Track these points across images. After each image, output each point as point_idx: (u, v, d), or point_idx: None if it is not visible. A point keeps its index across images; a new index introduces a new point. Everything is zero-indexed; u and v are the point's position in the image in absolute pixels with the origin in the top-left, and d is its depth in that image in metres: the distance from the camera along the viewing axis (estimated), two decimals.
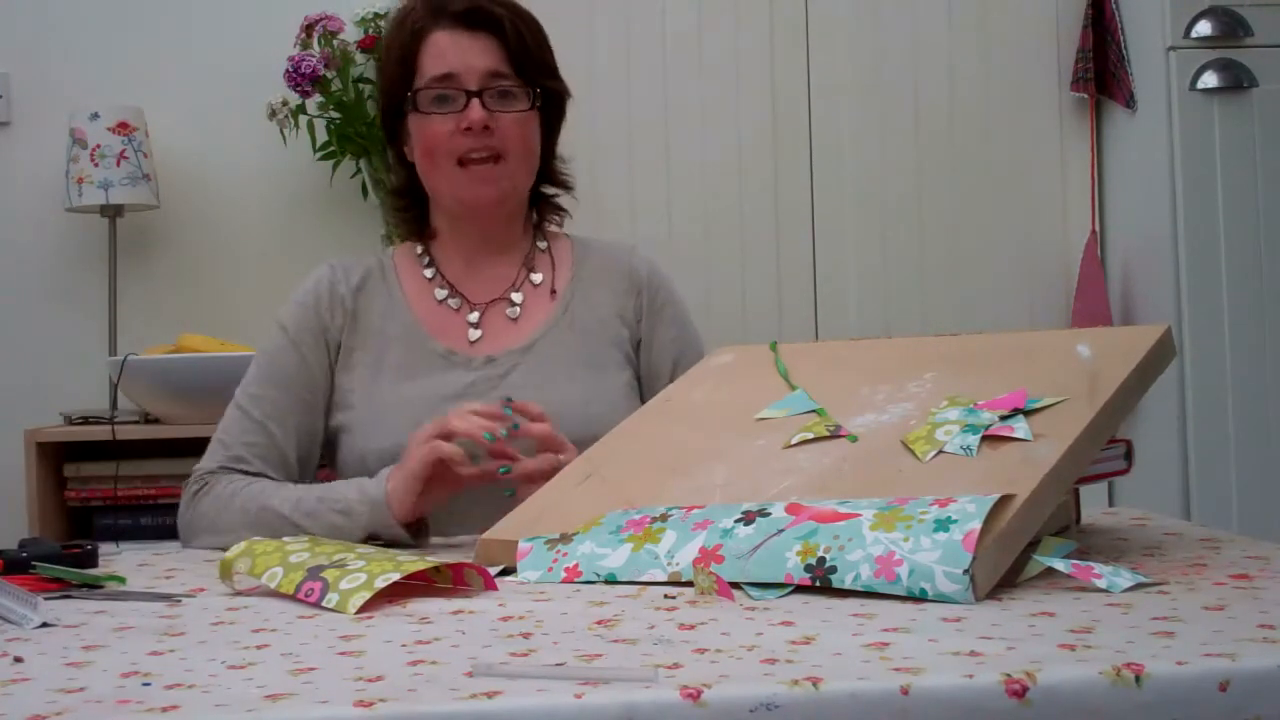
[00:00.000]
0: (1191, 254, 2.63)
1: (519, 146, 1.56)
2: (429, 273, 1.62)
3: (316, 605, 1.02)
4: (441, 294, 1.60)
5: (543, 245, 1.66)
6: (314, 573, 1.05)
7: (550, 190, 1.68)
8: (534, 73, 1.57)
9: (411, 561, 1.07)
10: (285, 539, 1.17)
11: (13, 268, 2.84)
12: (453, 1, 1.55)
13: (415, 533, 1.37)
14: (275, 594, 1.07)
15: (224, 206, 2.88)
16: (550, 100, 1.60)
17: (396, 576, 1.03)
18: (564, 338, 1.58)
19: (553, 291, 1.62)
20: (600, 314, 1.62)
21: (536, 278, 1.63)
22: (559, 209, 1.69)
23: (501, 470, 1.34)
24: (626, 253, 1.69)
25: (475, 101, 1.52)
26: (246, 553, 1.12)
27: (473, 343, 1.58)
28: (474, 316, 1.59)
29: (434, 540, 1.39)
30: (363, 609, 0.99)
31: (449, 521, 1.45)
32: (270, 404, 1.54)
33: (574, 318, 1.60)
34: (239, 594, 1.10)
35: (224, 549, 1.17)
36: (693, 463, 1.23)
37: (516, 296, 1.61)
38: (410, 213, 1.66)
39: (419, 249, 1.64)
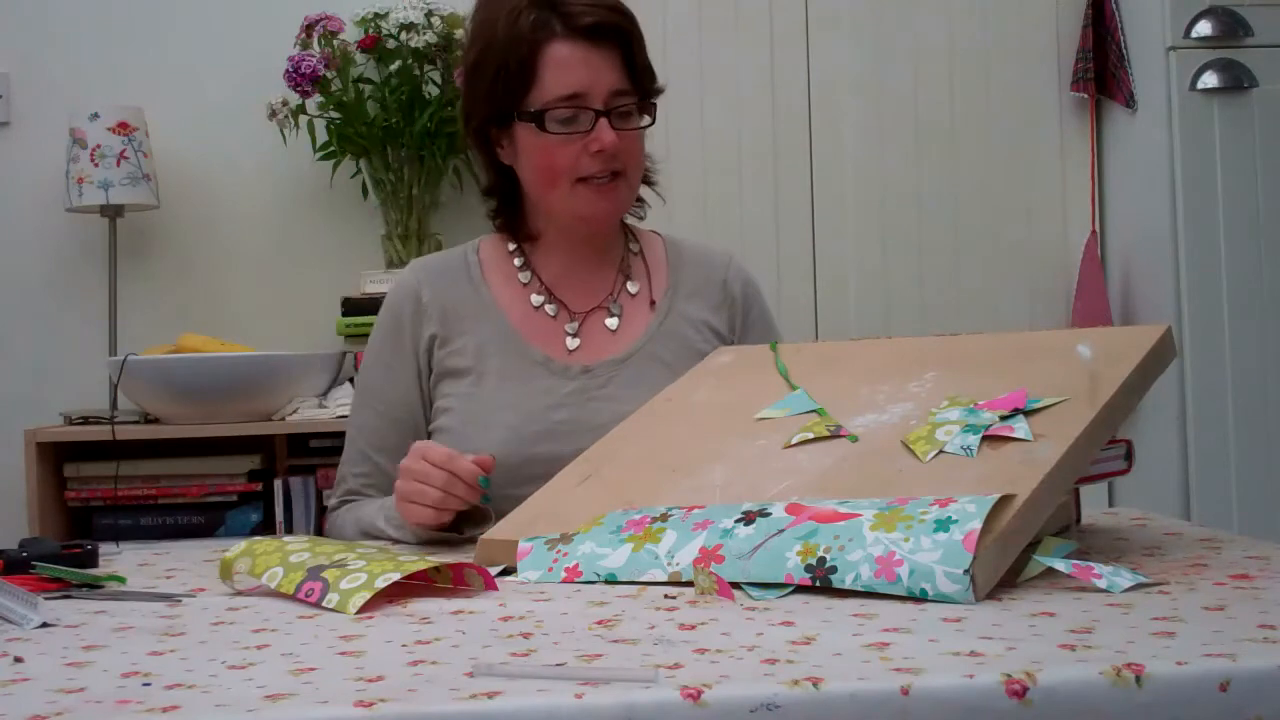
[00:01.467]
0: (1191, 254, 2.63)
1: (637, 162, 1.55)
2: (524, 276, 1.60)
3: (317, 605, 1.02)
4: (538, 300, 1.59)
5: (635, 248, 1.65)
6: (314, 573, 1.05)
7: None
8: (648, 83, 1.55)
9: (411, 561, 1.07)
10: (285, 538, 1.17)
11: (13, 268, 2.84)
12: (581, 13, 1.48)
13: (474, 520, 1.36)
14: (275, 594, 1.07)
15: (224, 206, 2.88)
16: None
17: (396, 576, 1.03)
18: (659, 349, 1.57)
19: (651, 303, 1.61)
20: (694, 325, 1.61)
21: (633, 287, 1.61)
22: (640, 200, 1.66)
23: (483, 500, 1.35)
24: (723, 265, 1.67)
25: (604, 123, 1.48)
26: (246, 552, 1.12)
27: (571, 351, 1.56)
28: (572, 326, 1.58)
29: (434, 540, 1.39)
30: (363, 609, 0.99)
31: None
32: (371, 432, 1.57)
33: (670, 329, 1.59)
34: (239, 594, 1.10)
35: None
36: (693, 463, 1.23)
37: (615, 307, 1.60)
38: (504, 215, 1.62)
39: (511, 246, 1.62)
